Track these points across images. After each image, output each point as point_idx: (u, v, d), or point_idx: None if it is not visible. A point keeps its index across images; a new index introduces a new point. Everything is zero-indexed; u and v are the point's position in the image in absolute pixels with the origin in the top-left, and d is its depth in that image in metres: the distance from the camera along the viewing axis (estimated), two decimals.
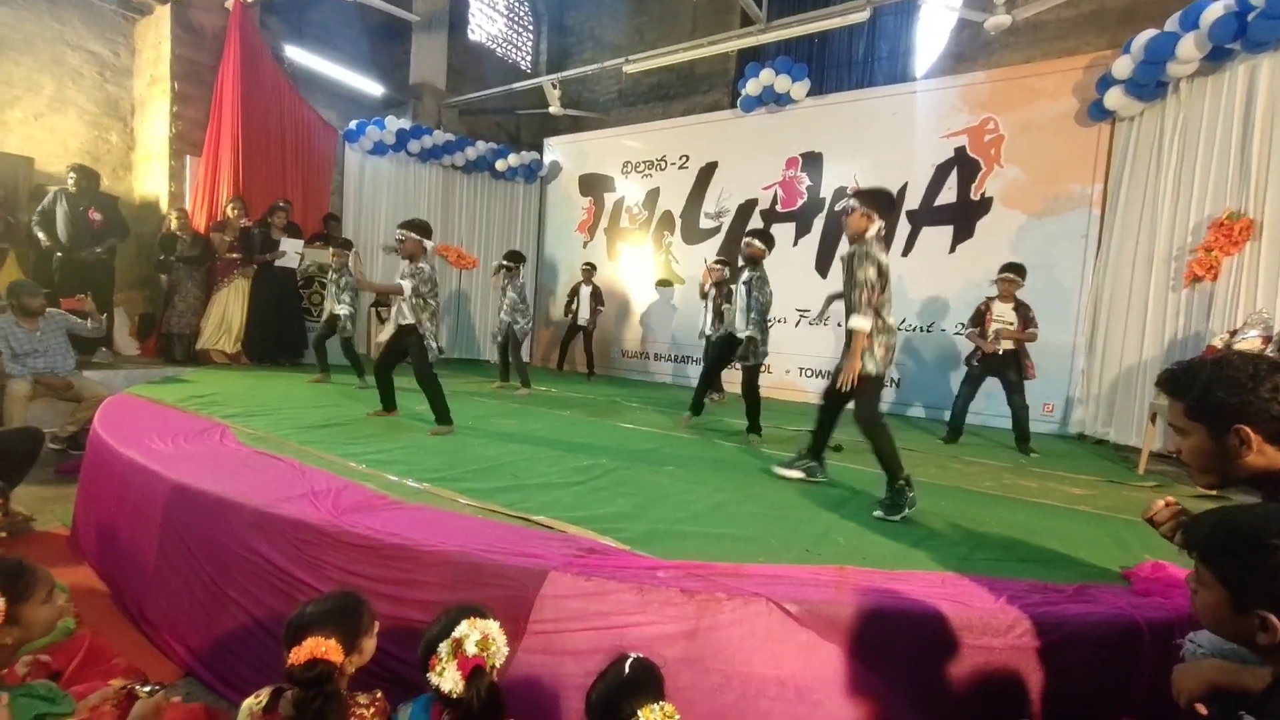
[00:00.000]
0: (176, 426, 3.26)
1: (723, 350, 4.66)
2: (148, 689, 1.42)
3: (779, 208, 7.40)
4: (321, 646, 1.32)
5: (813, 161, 7.17)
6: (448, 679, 1.31)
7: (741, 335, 4.33)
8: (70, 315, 4.33)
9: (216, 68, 6.44)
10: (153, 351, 6.20)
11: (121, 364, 5.57)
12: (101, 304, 5.18)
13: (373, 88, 8.55)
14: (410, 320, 3.85)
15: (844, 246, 2.95)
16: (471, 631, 1.36)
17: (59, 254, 5.33)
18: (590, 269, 7.99)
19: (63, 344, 4.23)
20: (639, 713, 1.23)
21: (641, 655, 1.39)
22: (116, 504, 2.72)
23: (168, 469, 2.52)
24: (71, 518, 3.20)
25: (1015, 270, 4.67)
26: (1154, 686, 1.60)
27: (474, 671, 1.32)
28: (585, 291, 7.84)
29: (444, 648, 1.34)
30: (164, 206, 6.31)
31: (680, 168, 8.18)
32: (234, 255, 6.12)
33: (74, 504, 3.22)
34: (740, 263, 4.56)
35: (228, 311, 6.16)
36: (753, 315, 4.28)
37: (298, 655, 1.31)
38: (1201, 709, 1.28)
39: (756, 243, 4.40)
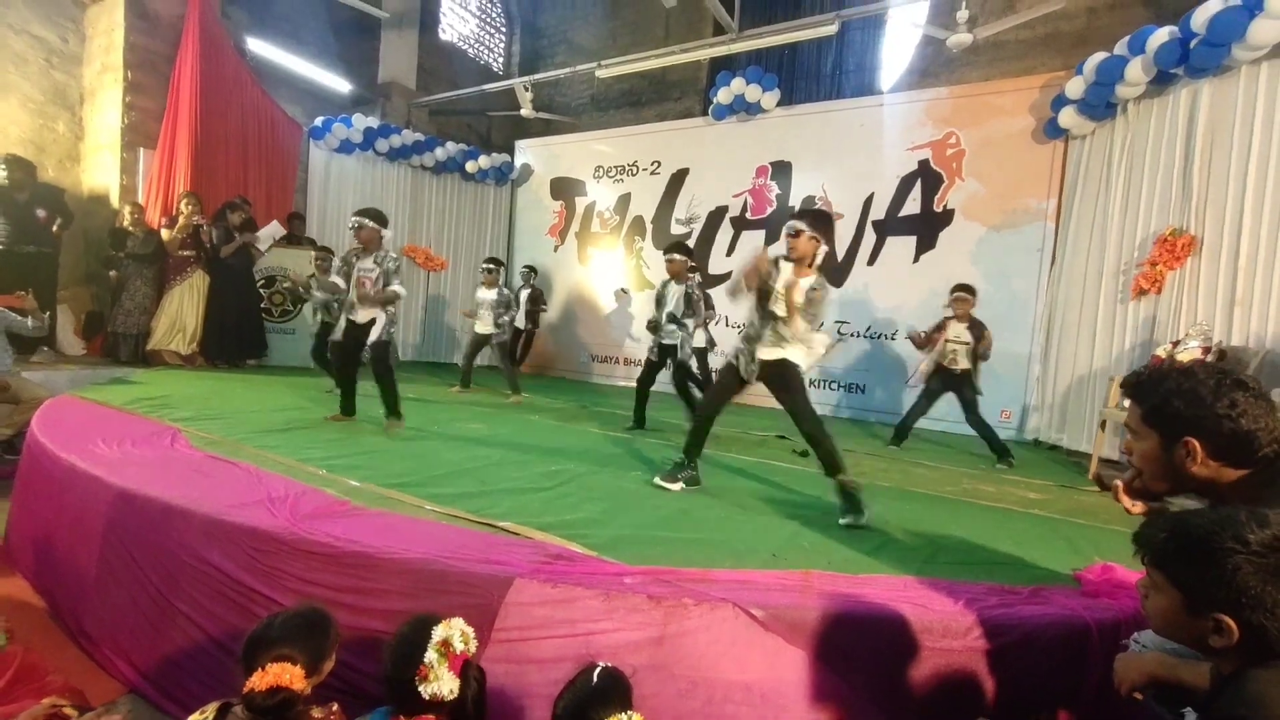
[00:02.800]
0: (123, 430, 3.11)
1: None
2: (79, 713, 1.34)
3: (749, 215, 7.49)
4: (286, 674, 1.26)
5: (782, 170, 7.28)
6: (445, 683, 1.30)
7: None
8: (9, 312, 4.10)
9: (173, 57, 6.20)
10: (99, 351, 5.91)
11: (65, 364, 5.30)
12: (44, 301, 4.92)
13: (340, 84, 8.36)
14: (365, 319, 3.79)
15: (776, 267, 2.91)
16: (450, 630, 1.36)
17: (0, 247, 5.05)
18: (527, 272, 8.05)
19: None
20: None
21: (610, 665, 1.38)
22: (55, 512, 2.58)
23: (112, 474, 2.40)
24: (4, 526, 3.02)
25: (966, 290, 4.71)
26: (1101, 684, 1.66)
27: (464, 666, 1.34)
28: (524, 295, 7.80)
29: (433, 655, 1.31)
30: (115, 200, 6.04)
31: (652, 173, 8.21)
32: (186, 253, 5.89)
33: (7, 512, 3.04)
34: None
35: (181, 311, 5.92)
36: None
37: (260, 680, 1.25)
38: (1138, 697, 1.33)
39: (678, 257, 4.68)
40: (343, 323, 3.91)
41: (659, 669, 1.62)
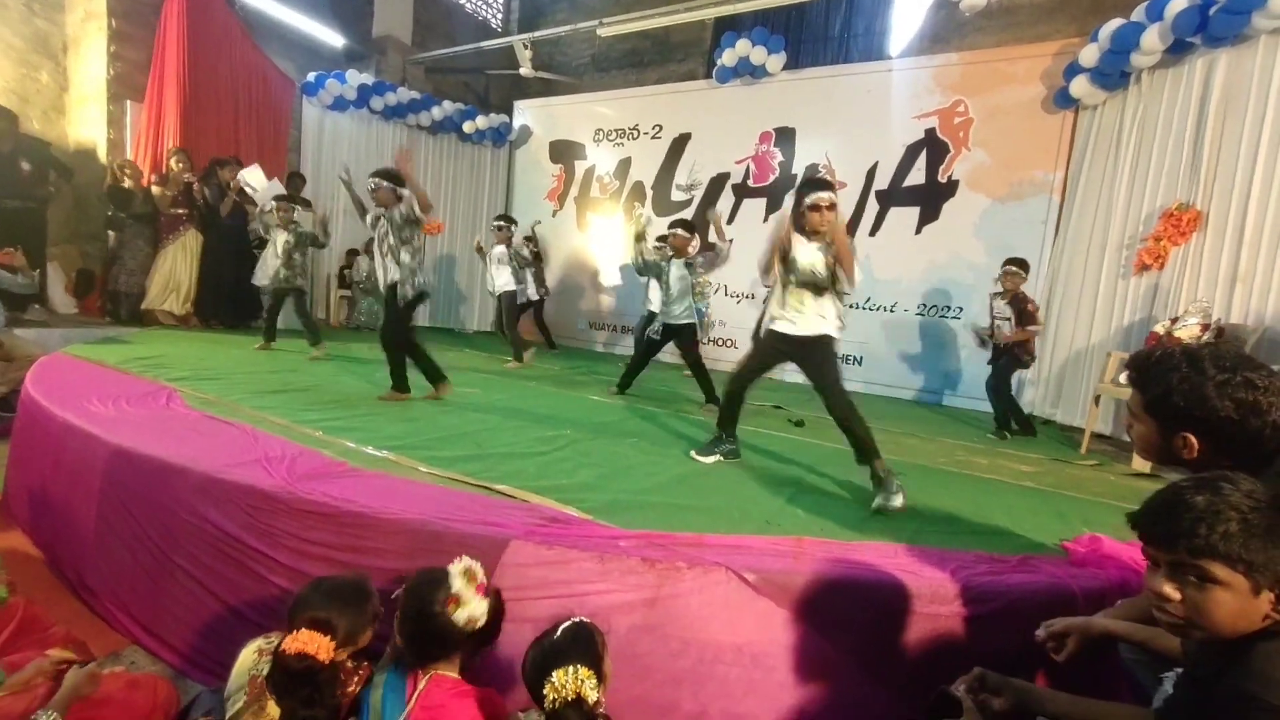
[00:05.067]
0: (118, 389, 3.10)
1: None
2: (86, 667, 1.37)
3: (751, 182, 7.37)
4: (314, 644, 1.30)
5: (785, 137, 7.14)
6: (475, 606, 1.39)
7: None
8: None
9: (159, 5, 5.99)
10: (92, 310, 5.86)
11: (57, 323, 5.26)
12: (33, 258, 4.86)
13: (333, 38, 8.08)
14: (394, 277, 3.70)
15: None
16: (469, 563, 1.44)
17: None
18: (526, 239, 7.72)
19: None
20: (553, 674, 1.25)
21: (580, 619, 1.41)
22: (52, 468, 2.58)
23: (108, 432, 2.40)
24: (1, 481, 3.04)
25: (1017, 264, 4.59)
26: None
27: (489, 592, 1.44)
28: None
29: (460, 583, 1.40)
30: (103, 155, 5.91)
31: (653, 138, 8.04)
32: (179, 211, 5.78)
33: (4, 468, 3.05)
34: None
35: (175, 270, 5.85)
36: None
37: (291, 644, 1.29)
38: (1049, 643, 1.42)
39: (682, 232, 4.61)
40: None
41: (652, 630, 1.65)
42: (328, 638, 1.32)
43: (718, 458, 3.00)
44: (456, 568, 1.43)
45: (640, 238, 4.69)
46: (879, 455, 2.61)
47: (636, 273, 4.88)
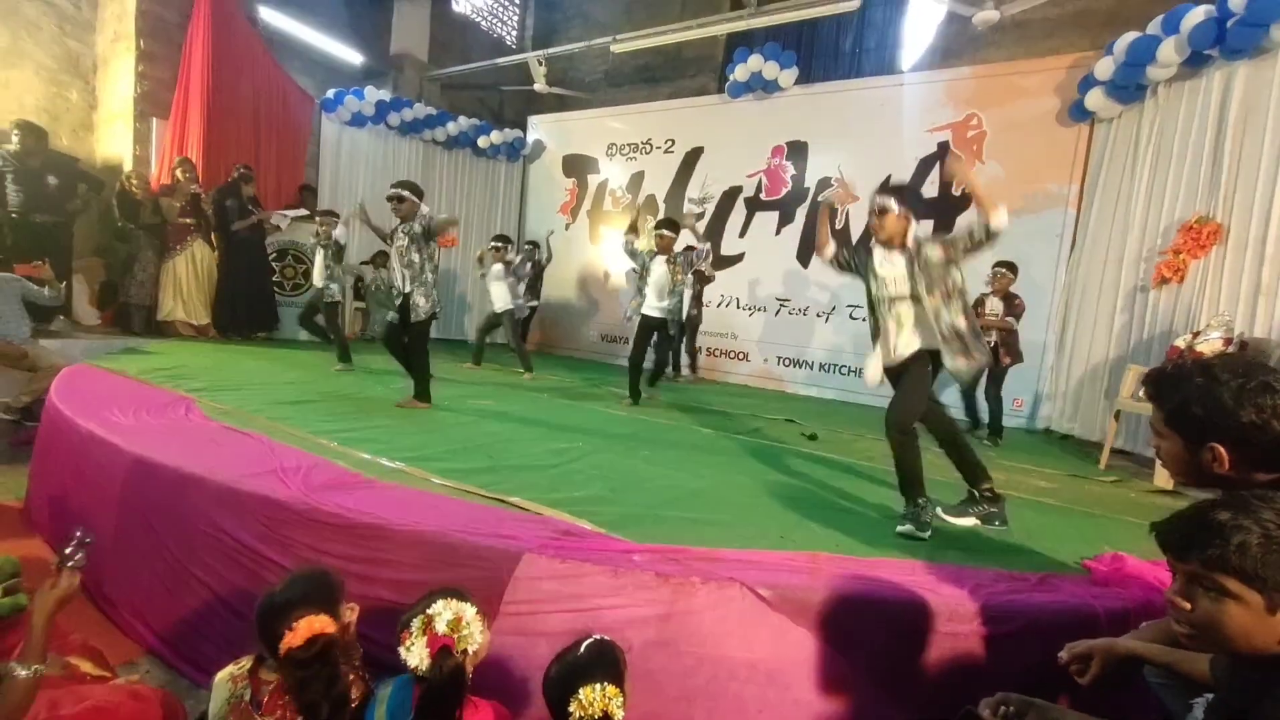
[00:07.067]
0: (138, 399, 3.15)
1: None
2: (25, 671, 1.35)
3: (763, 196, 7.38)
4: (317, 623, 1.32)
5: (798, 150, 7.15)
6: (415, 654, 1.32)
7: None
8: (27, 282, 4.14)
9: (185, 26, 6.15)
10: (112, 322, 5.97)
11: (80, 334, 5.36)
12: (60, 271, 4.95)
13: (352, 56, 8.26)
14: (408, 288, 3.88)
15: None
16: (444, 611, 1.36)
17: (14, 215, 5.08)
18: (530, 249, 7.47)
19: (17, 311, 4.04)
20: (580, 692, 1.25)
21: (603, 637, 1.40)
22: (73, 477, 2.62)
23: (128, 442, 2.43)
24: (25, 490, 3.08)
25: (1007, 266, 4.82)
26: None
27: (441, 651, 1.32)
28: (527, 269, 7.36)
29: (416, 623, 1.35)
30: (129, 170, 6.05)
31: (665, 152, 8.10)
32: (186, 221, 5.88)
33: (27, 476, 3.10)
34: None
35: (186, 281, 5.93)
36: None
37: (295, 638, 1.30)
38: (1073, 667, 1.38)
39: (669, 233, 4.83)
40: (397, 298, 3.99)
41: (665, 645, 1.63)
42: (323, 614, 1.34)
43: (975, 522, 2.51)
44: (436, 607, 1.36)
45: (633, 228, 5.00)
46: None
47: (628, 254, 5.05)
